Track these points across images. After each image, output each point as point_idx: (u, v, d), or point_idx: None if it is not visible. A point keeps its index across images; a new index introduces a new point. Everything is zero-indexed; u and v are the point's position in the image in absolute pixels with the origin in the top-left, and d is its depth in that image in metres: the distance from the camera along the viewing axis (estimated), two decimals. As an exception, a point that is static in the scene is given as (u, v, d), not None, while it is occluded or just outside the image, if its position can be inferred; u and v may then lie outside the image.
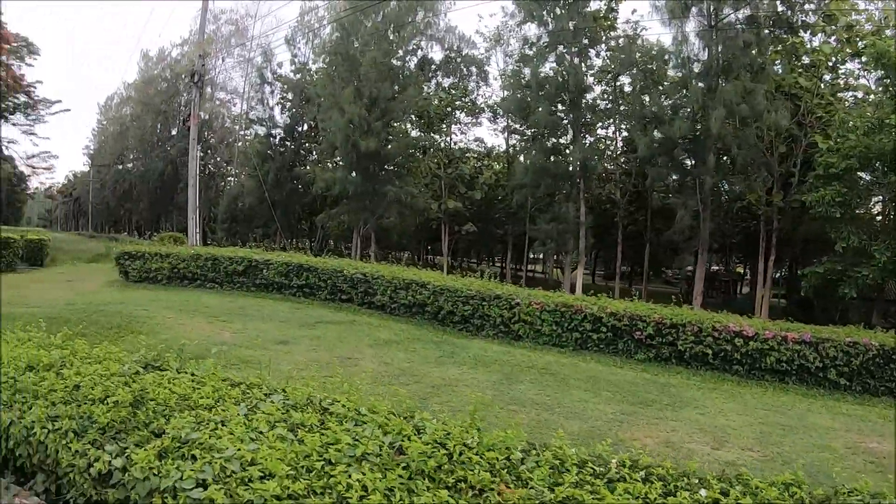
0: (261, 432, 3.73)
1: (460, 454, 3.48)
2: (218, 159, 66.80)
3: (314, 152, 53.24)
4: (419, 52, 41.86)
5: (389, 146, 37.57)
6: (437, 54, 43.27)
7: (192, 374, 5.14)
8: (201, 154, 62.38)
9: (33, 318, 11.25)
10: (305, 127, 51.51)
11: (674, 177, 32.98)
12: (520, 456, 3.59)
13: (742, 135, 27.34)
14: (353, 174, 36.99)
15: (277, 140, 51.92)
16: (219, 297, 16.88)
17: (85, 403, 4.21)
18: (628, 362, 12.11)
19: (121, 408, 4.05)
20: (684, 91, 30.55)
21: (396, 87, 38.15)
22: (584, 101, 34.19)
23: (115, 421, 3.96)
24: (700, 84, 28.37)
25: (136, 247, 21.23)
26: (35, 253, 27.13)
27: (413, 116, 40.69)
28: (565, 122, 34.97)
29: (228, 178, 67.95)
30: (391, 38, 38.13)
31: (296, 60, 51.06)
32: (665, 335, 12.19)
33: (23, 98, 50.16)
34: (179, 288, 18.51)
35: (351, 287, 16.85)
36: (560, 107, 34.66)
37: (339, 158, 42.13)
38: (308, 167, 50.15)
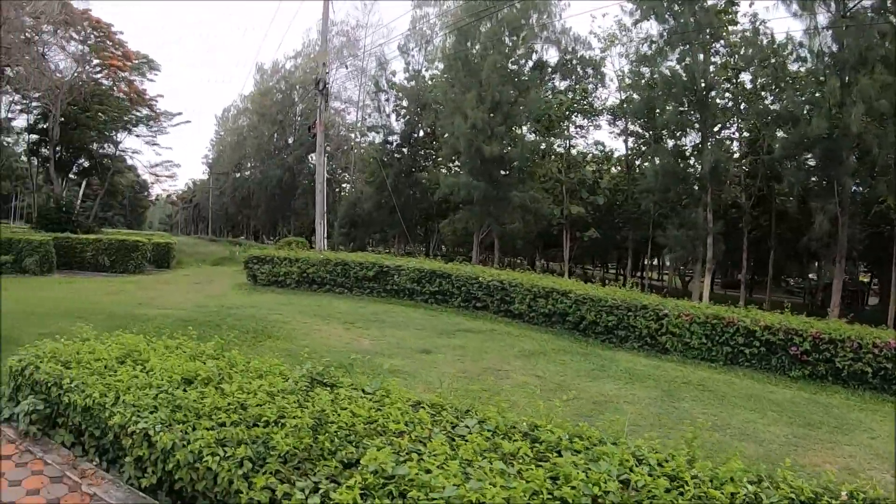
0: (471, 465, 3.31)
1: (695, 487, 3.19)
2: (334, 166, 68.46)
3: (430, 158, 53.58)
4: (534, 55, 40.99)
5: (510, 150, 36.83)
6: (551, 57, 42.54)
7: (364, 392, 4.56)
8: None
9: (166, 321, 11.35)
10: (421, 133, 51.73)
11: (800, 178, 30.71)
12: (752, 489, 3.27)
13: (881, 133, 25.53)
14: (476, 179, 36.32)
15: (394, 146, 52.48)
16: (349, 302, 16.62)
17: (257, 426, 3.69)
18: (782, 379, 11.46)
19: (301, 433, 3.47)
20: (808, 86, 29.16)
21: (514, 91, 37.47)
22: (709, 99, 32.40)
23: (296, 448, 3.39)
24: (833, 78, 26.18)
25: (264, 251, 21.36)
26: (162, 256, 28.35)
27: (533, 120, 39.75)
28: (692, 122, 33.26)
29: (344, 185, 70.95)
30: (507, 41, 37.51)
31: (409, 68, 51.61)
32: (822, 351, 11.49)
33: (145, 111, 54.00)
34: (308, 292, 18.43)
35: (486, 294, 16.26)
36: (684, 106, 33.00)
37: (458, 163, 41.93)
38: (426, 173, 50.46)
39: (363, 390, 4.67)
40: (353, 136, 67.85)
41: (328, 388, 4.63)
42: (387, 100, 54.86)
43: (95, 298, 15.76)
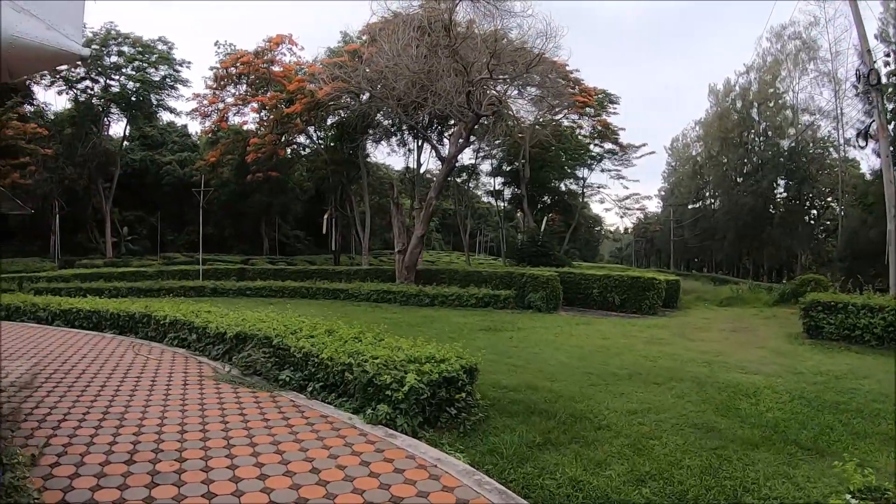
0: None
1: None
2: (807, 193, 62.11)
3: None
4: None
5: None
6: None
7: None
8: (793, 184, 58.72)
9: (796, 404, 8.67)
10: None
11: None
12: None
13: None
14: None
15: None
16: None
17: None
18: None
19: None
20: None
21: None
22: None
23: None
24: None
25: (834, 296, 16.84)
26: (670, 295, 25.70)
27: None
28: None
29: (825, 209, 67.64)
30: None
31: (892, 60, 43.11)
32: None
33: (608, 145, 57.05)
34: (896, 353, 13.64)
35: None
36: None
37: None
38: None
39: None
40: (829, 152, 64.35)
41: None
42: (872, 105, 46.44)
43: (638, 348, 14.05)
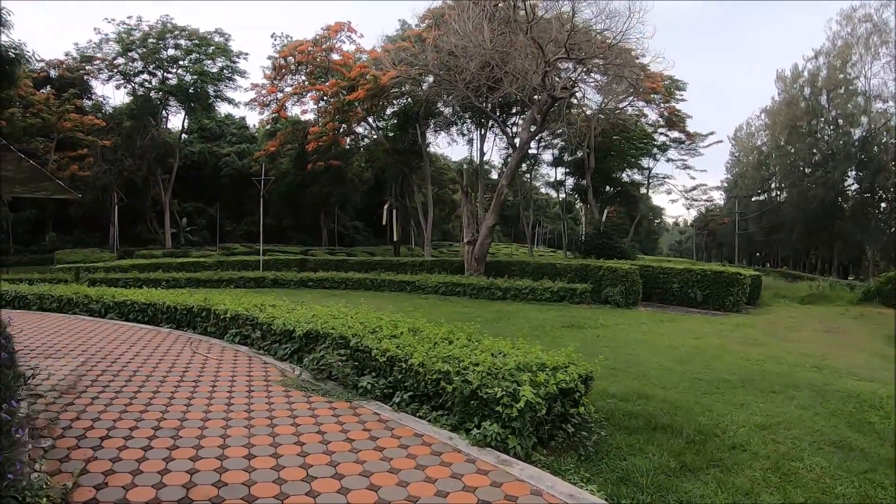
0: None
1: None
2: (888, 181, 59.14)
3: None
4: None
5: None
6: None
7: None
8: (865, 175, 56.01)
9: None
10: None
11: None
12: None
13: None
14: None
15: None
16: None
17: None
18: None
19: None
20: None
21: None
22: None
23: None
24: None
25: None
26: (753, 291, 24.72)
27: None
28: None
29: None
30: None
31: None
32: None
33: (674, 134, 53.99)
34: None
35: None
36: None
37: None
38: None
39: None
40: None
41: None
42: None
43: (736, 350, 12.82)
